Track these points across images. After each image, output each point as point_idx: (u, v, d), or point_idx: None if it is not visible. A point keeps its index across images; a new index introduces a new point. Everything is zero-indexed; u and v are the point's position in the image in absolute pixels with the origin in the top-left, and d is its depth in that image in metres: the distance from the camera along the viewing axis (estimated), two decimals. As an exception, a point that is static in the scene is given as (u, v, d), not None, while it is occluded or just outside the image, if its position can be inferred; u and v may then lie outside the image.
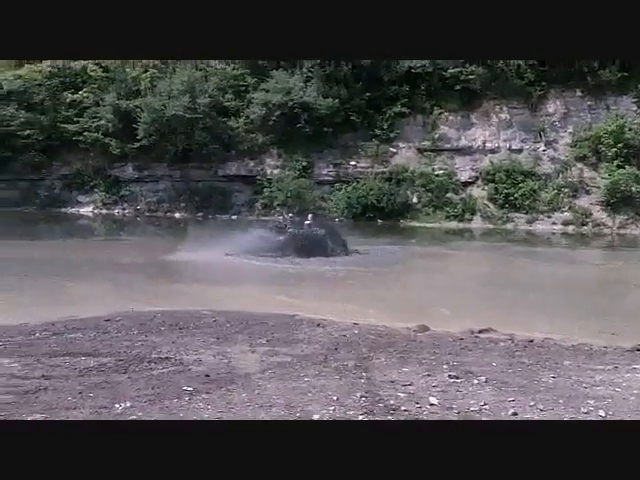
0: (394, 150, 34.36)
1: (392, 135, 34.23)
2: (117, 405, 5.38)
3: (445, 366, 7.06)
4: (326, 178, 34.45)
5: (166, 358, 7.04)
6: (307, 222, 20.36)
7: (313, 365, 6.99)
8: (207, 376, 6.39)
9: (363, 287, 14.71)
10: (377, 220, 32.35)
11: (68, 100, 37.43)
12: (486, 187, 33.12)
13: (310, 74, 34.76)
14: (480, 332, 9.39)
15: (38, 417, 5.01)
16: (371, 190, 32.44)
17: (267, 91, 34.16)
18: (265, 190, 34.16)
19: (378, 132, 34.15)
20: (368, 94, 33.82)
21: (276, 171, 34.62)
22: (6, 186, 37.80)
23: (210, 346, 7.74)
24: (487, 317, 10.60)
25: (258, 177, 34.79)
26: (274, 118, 33.86)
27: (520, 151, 33.51)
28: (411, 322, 9.86)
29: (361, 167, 34.12)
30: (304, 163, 34.22)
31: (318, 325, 9.35)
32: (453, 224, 32.22)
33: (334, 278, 16.03)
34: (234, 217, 34.47)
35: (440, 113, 34.28)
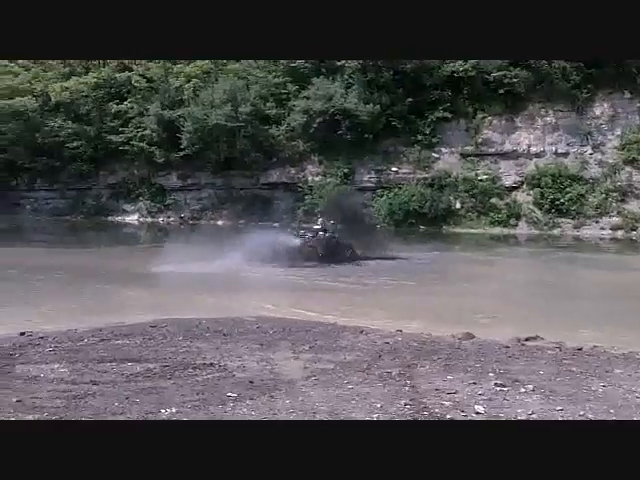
0: (436, 155, 34.09)
1: (434, 140, 33.99)
2: (163, 410, 5.43)
3: (491, 374, 6.93)
4: (367, 184, 34.36)
5: (210, 364, 7.08)
6: (317, 226, 19.71)
7: (356, 372, 6.95)
8: (251, 382, 6.40)
9: (405, 294, 14.59)
10: (419, 226, 32.11)
11: (113, 111, 38.28)
12: (531, 192, 32.57)
13: (351, 80, 34.79)
14: (527, 340, 9.20)
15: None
16: (413, 196, 32.21)
17: (308, 98, 34.30)
18: (306, 197, 34.26)
19: (420, 137, 33.94)
20: (410, 99, 33.65)
21: (317, 178, 34.70)
22: (55, 195, 38.90)
23: (254, 352, 7.76)
24: (534, 325, 10.39)
25: (299, 184, 34.92)
26: (315, 125, 33.95)
27: (566, 155, 32.88)
28: (456, 330, 9.72)
29: (403, 173, 33.94)
30: (345, 170, 34.21)
31: (361, 332, 9.29)
32: (497, 230, 31.76)
33: (373, 285, 15.95)
34: (276, 224, 34.63)
35: (483, 117, 33.90)
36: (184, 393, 5.97)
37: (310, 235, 19.34)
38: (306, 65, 36.57)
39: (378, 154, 34.48)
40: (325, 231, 19.53)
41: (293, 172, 35.61)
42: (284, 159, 35.66)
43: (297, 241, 19.13)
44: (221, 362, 7.20)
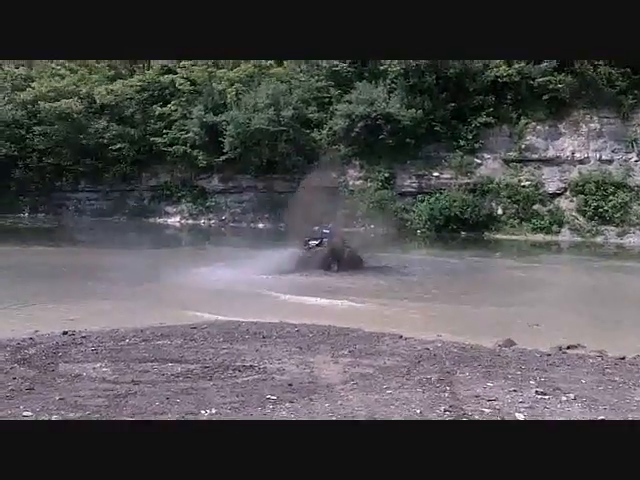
0: (479, 161, 33.71)
1: (477, 146, 33.63)
2: (203, 411, 5.46)
3: (532, 382, 6.82)
4: (408, 189, 34.16)
5: (250, 366, 7.11)
6: (325, 231, 18.55)
7: (396, 377, 6.90)
8: (290, 385, 6.40)
9: (445, 300, 14.45)
10: (460, 232, 31.77)
11: (157, 113, 38.79)
12: (575, 199, 31.96)
13: (394, 85, 34.67)
14: (568, 348, 9.06)
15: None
16: (455, 202, 31.90)
17: (350, 102, 34.26)
18: (347, 201, 34.21)
19: (462, 143, 33.62)
20: (453, 104, 33.38)
21: (358, 182, 34.63)
22: (98, 196, 39.62)
23: (293, 355, 7.77)
24: (575, 333, 10.21)
25: (340, 188, 34.91)
26: (357, 129, 33.90)
27: (611, 162, 32.16)
28: (496, 337, 9.60)
29: (444, 178, 33.64)
30: (386, 174, 34.07)
31: (400, 337, 9.23)
32: (540, 237, 31.24)
33: (412, 291, 15.83)
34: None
35: (527, 123, 33.41)
36: (224, 394, 6.00)
37: (315, 243, 18.24)
38: (349, 69, 36.60)
39: (419, 159, 34.25)
40: (328, 236, 18.25)
41: (334, 176, 35.60)
42: (325, 163, 35.69)
43: (305, 250, 18.13)
44: (261, 364, 7.22)
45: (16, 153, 38.55)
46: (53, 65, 41.15)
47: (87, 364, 7.00)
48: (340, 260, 17.59)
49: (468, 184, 32.98)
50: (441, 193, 32.68)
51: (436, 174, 33.92)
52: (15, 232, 31.30)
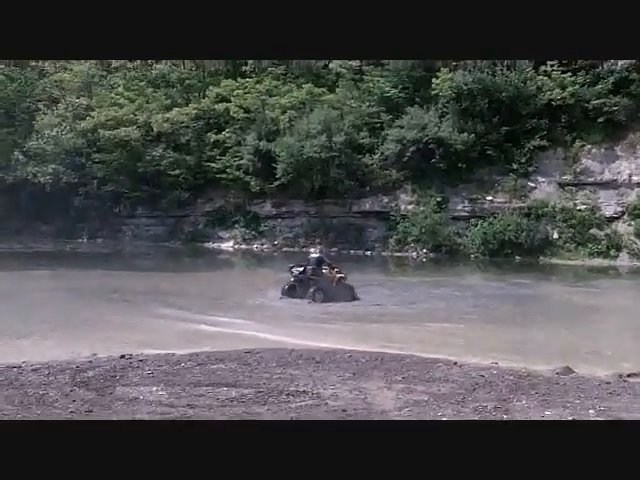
0: (533, 184, 33.19)
1: (531, 169, 33.17)
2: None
3: (591, 411, 6.60)
4: (461, 213, 33.84)
5: (304, 391, 7.10)
6: (313, 256, 17.60)
7: (451, 405, 6.77)
8: (344, 411, 6.36)
9: (499, 326, 14.17)
10: (515, 257, 31.19)
11: (212, 140, 39.63)
12: (633, 222, 31.01)
13: (445, 109, 34.59)
14: (629, 376, 8.71)
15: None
16: (509, 226, 31.38)
17: (402, 127, 34.34)
18: (399, 226, 34.11)
19: (516, 166, 33.21)
20: (505, 128, 33.05)
21: (410, 207, 34.50)
22: (155, 222, 40.55)
23: (346, 381, 7.72)
24: (637, 360, 9.84)
25: (392, 213, 34.84)
26: (408, 154, 33.89)
27: (669, 185, 31.24)
28: (553, 364, 9.33)
29: (498, 202, 33.21)
30: (438, 198, 33.84)
31: (455, 364, 9.07)
32: (597, 261, 30.38)
33: (467, 316, 15.59)
34: (368, 253, 34.65)
35: (582, 146, 32.79)
36: (278, 419, 5.99)
37: (299, 270, 17.06)
38: (400, 94, 36.75)
39: (472, 183, 33.96)
40: (314, 264, 17.12)
41: (386, 201, 35.59)
42: (377, 188, 35.72)
43: (291, 277, 17.16)
44: (314, 390, 7.20)
45: (76, 180, 39.88)
46: (112, 95, 42.56)
47: (144, 387, 7.10)
48: (325, 290, 16.49)
49: (522, 208, 32.46)
50: (495, 217, 32.22)
51: (489, 198, 33.52)
52: (74, 257, 32.25)
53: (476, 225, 32.65)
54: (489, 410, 6.56)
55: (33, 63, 45.20)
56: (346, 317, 14.73)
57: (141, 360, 8.58)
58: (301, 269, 17.04)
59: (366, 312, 15.60)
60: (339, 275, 17.13)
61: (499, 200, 33.25)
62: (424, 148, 33.32)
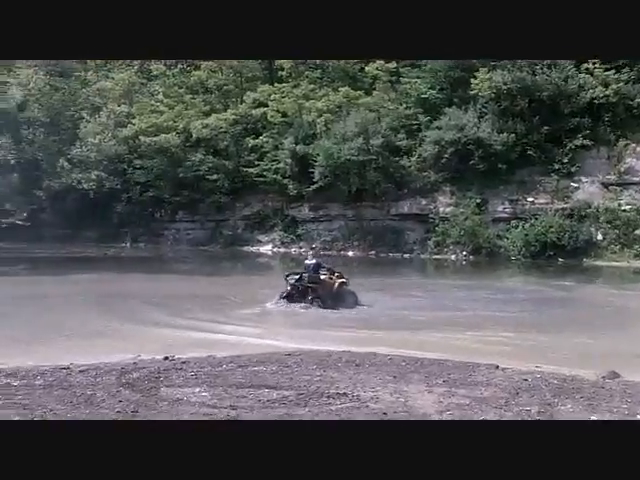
0: (575, 185, 32.57)
1: (573, 169, 32.53)
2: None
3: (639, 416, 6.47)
4: (502, 215, 33.40)
5: (344, 394, 7.11)
6: (308, 262, 16.89)
7: (494, 409, 6.70)
8: (385, 414, 6.35)
9: (542, 329, 13.96)
10: (558, 259, 30.65)
11: (250, 145, 39.97)
12: (680, 223, 30.25)
13: (484, 109, 34.24)
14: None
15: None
16: (551, 227, 30.86)
17: (440, 129, 34.09)
18: (438, 228, 33.86)
19: (557, 166, 32.64)
20: (546, 127, 32.53)
21: (449, 209, 34.20)
22: (195, 226, 41.09)
23: (386, 384, 7.70)
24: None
25: (430, 215, 34.60)
26: (447, 155, 33.63)
27: None
28: (598, 368, 9.16)
29: (539, 203, 32.68)
30: (478, 200, 33.46)
31: (497, 368, 8.96)
32: (643, 263, 29.68)
33: (508, 319, 15.40)
34: (406, 256, 34.48)
35: (626, 145, 32.05)
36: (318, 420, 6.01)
37: (295, 278, 16.24)
38: (437, 95, 36.51)
39: (513, 184, 33.49)
40: (310, 271, 16.34)
41: (424, 203, 35.36)
42: (415, 190, 35.51)
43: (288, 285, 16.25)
44: (354, 392, 7.20)
45: (119, 186, 40.70)
46: (152, 102, 43.28)
47: (187, 389, 7.21)
48: (323, 297, 15.79)
49: (565, 209, 31.89)
50: (536, 219, 31.73)
51: (530, 199, 33.02)
52: (117, 261, 32.88)
53: (517, 227, 32.19)
54: (532, 414, 6.48)
55: (77, 73, 46.31)
56: (381, 323, 14.67)
57: (184, 362, 8.70)
58: (297, 277, 16.22)
59: (403, 316, 15.52)
60: (340, 280, 16.38)
61: (540, 201, 32.72)
62: (463, 149, 33.01)
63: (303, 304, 15.64)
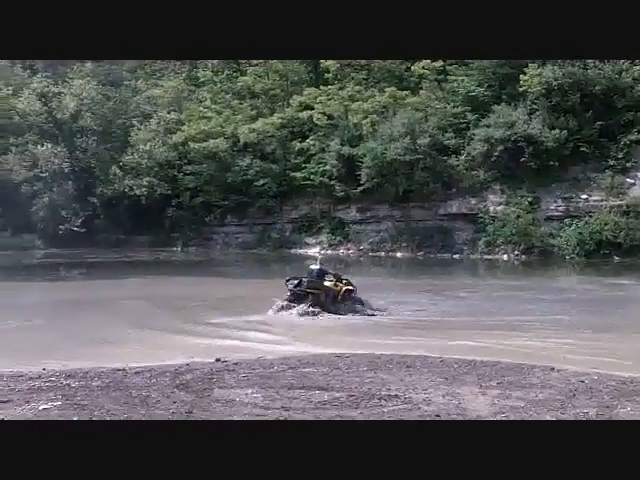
0: (631, 181, 31.64)
1: (629, 165, 31.65)
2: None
3: None
4: (555, 213, 32.70)
5: (395, 396, 7.05)
6: (313, 267, 16.01)
7: (550, 411, 6.54)
8: (437, 416, 6.27)
9: (599, 330, 13.59)
10: (613, 257, 29.84)
11: (297, 148, 40.20)
12: None
13: (535, 106, 33.62)
14: None
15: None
16: (606, 225, 30.08)
17: (489, 126, 33.64)
18: (488, 228, 33.36)
19: (612, 162, 31.81)
20: (600, 122, 31.76)
21: (499, 208, 33.65)
22: (244, 230, 41.53)
23: (439, 386, 7.61)
24: None
25: (480, 215, 34.12)
26: (496, 153, 33.15)
27: None
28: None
29: (594, 200, 31.87)
30: (530, 198, 32.83)
31: (552, 369, 8.76)
32: None
33: (563, 320, 15.05)
34: (456, 256, 34.09)
35: (684, 138, 31.04)
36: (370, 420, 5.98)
37: (294, 283, 15.46)
38: (486, 93, 36.03)
39: (565, 181, 32.78)
40: (313, 277, 15.51)
41: (474, 202, 34.90)
42: (464, 189, 35.09)
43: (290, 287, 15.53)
44: (406, 394, 7.14)
45: (169, 192, 41.47)
46: (201, 108, 43.94)
47: (239, 390, 7.27)
48: (323, 304, 14.96)
49: (620, 206, 31.03)
50: (591, 216, 30.98)
51: (584, 196, 32.24)
52: (168, 265, 33.48)
53: (571, 225, 31.49)
54: (590, 417, 6.31)
55: (127, 82, 47.40)
56: (431, 325, 14.53)
57: (235, 363, 8.79)
58: (297, 282, 15.38)
59: (452, 317, 15.39)
60: (346, 288, 15.54)
61: (595, 198, 31.91)
62: (513, 147, 32.50)
63: (298, 311, 14.76)
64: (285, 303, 15.07)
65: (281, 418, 6.03)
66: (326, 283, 15.38)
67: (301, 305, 14.85)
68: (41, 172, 41.36)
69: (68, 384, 7.30)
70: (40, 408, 6.13)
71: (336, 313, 14.97)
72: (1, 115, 43.37)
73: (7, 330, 13.81)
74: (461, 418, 6.25)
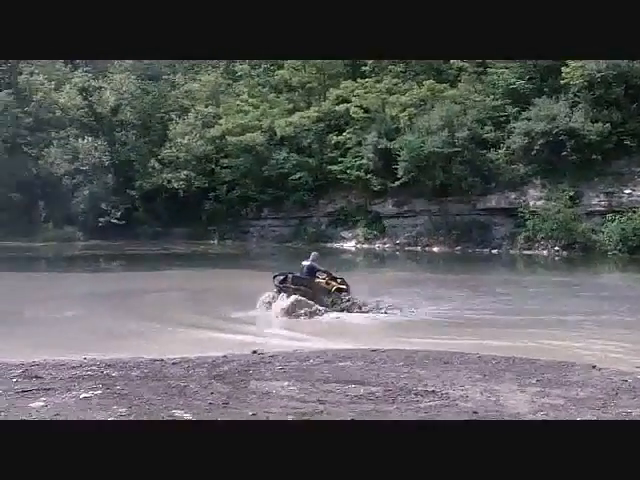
0: (677, 175, 30.90)
1: (674, 158, 30.92)
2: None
3: None
4: (597, 208, 32.10)
5: (432, 391, 6.98)
6: (305, 263, 15.43)
7: (590, 410, 6.40)
8: (475, 413, 6.19)
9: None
10: (658, 254, 29.14)
11: (333, 142, 40.16)
12: None
13: (577, 99, 32.97)
14: None
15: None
16: (650, 220, 29.40)
17: (529, 119, 33.15)
18: (528, 223, 32.86)
19: (657, 156, 31.08)
20: (645, 115, 31.03)
21: (540, 202, 33.13)
22: (280, 223, 41.71)
23: (476, 382, 7.51)
24: None
25: (520, 209, 33.63)
26: (537, 147, 32.66)
27: None
28: None
29: (637, 195, 31.17)
30: (571, 193, 32.26)
31: (593, 367, 8.58)
32: None
33: (604, 318, 14.75)
34: (494, 251, 33.68)
35: None
36: (408, 418, 5.93)
37: (280, 279, 14.97)
38: (526, 86, 35.47)
39: (608, 175, 32.14)
40: (311, 273, 15.05)
41: (513, 197, 34.43)
42: (503, 183, 34.65)
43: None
44: (443, 390, 7.06)
45: (207, 185, 41.84)
46: (238, 102, 44.19)
47: (275, 382, 7.29)
48: (312, 299, 14.46)
49: (665, 201, 30.30)
50: (634, 211, 30.30)
51: (628, 191, 31.53)
52: (205, 258, 33.82)
53: (613, 220, 30.85)
54: (633, 417, 6.15)
55: (165, 76, 47.91)
56: (468, 322, 14.38)
57: (272, 356, 8.82)
58: (282, 277, 14.92)
59: (493, 315, 15.19)
60: (338, 286, 15.04)
61: (639, 193, 31.18)
62: (554, 140, 31.97)
63: (282, 308, 14.27)
64: (271, 298, 14.65)
65: (317, 411, 6.03)
66: (317, 280, 14.98)
67: (283, 301, 14.35)
68: (82, 165, 42.16)
69: (108, 373, 7.42)
70: (81, 396, 6.24)
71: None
72: (44, 109, 44.26)
73: (49, 320, 14.15)
74: (499, 415, 6.16)
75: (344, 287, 15.13)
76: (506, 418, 6.08)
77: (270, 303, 14.60)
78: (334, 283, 15.08)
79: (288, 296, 14.40)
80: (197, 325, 13.43)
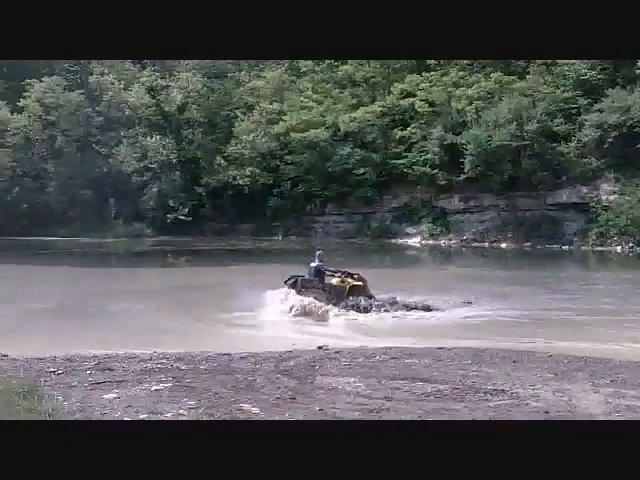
0: None
1: None
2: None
3: None
4: (676, 203, 30.73)
5: (502, 390, 6.83)
6: (312, 265, 15.11)
7: (669, 413, 6.14)
8: (546, 413, 6.02)
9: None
10: None
11: (397, 137, 39.85)
12: None
13: (654, 89, 31.70)
14: None
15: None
16: None
17: (601, 111, 32.06)
18: (600, 218, 31.76)
19: None
20: None
21: (613, 197, 32.00)
22: (343, 219, 41.69)
23: (547, 382, 7.31)
24: None
25: (592, 204, 32.55)
26: (610, 140, 31.56)
27: None
28: None
29: None
30: (647, 187, 31.04)
31: (674, 369, 8.24)
32: None
33: None
34: (565, 247, 32.72)
35: None
36: (475, 417, 5.82)
37: (291, 282, 14.75)
38: (599, 76, 34.27)
39: (688, 168, 30.73)
40: (318, 274, 14.83)
41: (585, 191, 33.36)
42: (574, 177, 33.62)
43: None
44: (513, 389, 6.90)
45: (271, 182, 42.25)
46: (302, 98, 44.40)
47: (341, 378, 7.29)
48: (326, 299, 14.33)
49: None
50: None
51: None
52: (269, 254, 34.17)
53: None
54: None
55: (231, 74, 48.61)
56: (537, 320, 14.03)
57: (337, 352, 8.83)
58: (292, 282, 14.76)
59: (563, 313, 14.83)
60: (354, 283, 14.81)
61: None
62: (628, 132, 30.87)
63: (292, 312, 14.14)
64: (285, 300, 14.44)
65: (384, 408, 5.98)
66: (332, 280, 14.89)
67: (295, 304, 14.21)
68: (150, 163, 43.32)
69: (177, 367, 7.57)
70: (152, 389, 6.39)
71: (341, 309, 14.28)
72: (113, 109, 45.66)
73: (120, 313, 14.61)
74: (572, 415, 5.97)
75: (360, 283, 14.93)
76: (579, 419, 5.90)
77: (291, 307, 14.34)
78: (350, 280, 14.90)
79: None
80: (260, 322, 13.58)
